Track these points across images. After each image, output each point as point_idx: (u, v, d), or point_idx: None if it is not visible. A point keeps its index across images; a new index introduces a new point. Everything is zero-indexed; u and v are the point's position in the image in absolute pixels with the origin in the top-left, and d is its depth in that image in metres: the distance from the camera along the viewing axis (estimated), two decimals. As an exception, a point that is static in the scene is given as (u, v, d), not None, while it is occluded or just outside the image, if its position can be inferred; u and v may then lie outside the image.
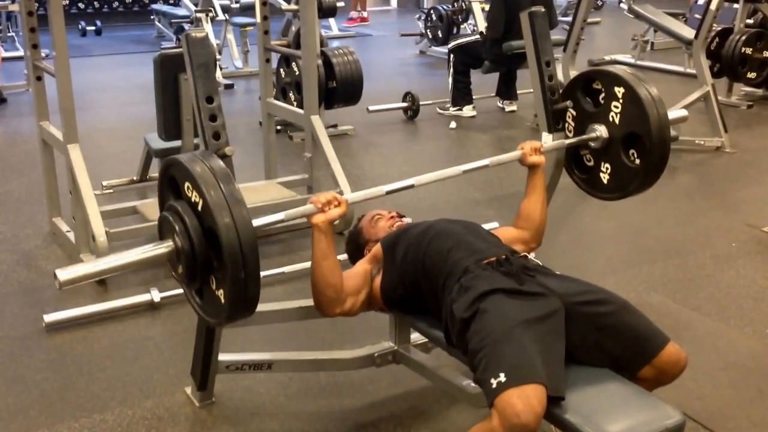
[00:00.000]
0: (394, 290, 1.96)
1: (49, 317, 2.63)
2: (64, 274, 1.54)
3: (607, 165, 2.24)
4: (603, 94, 2.21)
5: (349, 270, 2.01)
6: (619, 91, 2.16)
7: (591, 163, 2.30)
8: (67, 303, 2.76)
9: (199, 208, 1.55)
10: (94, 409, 2.19)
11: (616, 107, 2.16)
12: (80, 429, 2.11)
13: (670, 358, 1.67)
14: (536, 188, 2.16)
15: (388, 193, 1.98)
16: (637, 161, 2.17)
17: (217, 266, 1.56)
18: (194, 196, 1.56)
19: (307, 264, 3.02)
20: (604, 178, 2.26)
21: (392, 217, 2.19)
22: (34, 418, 2.16)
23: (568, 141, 2.24)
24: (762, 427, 2.13)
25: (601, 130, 2.20)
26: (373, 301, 2.00)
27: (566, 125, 2.29)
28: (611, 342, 1.68)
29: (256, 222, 1.62)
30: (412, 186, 2.01)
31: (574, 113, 2.28)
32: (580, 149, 2.31)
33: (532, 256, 2.65)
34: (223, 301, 1.57)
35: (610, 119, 2.19)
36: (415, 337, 2.19)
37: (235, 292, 1.53)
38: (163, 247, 1.60)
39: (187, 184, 1.58)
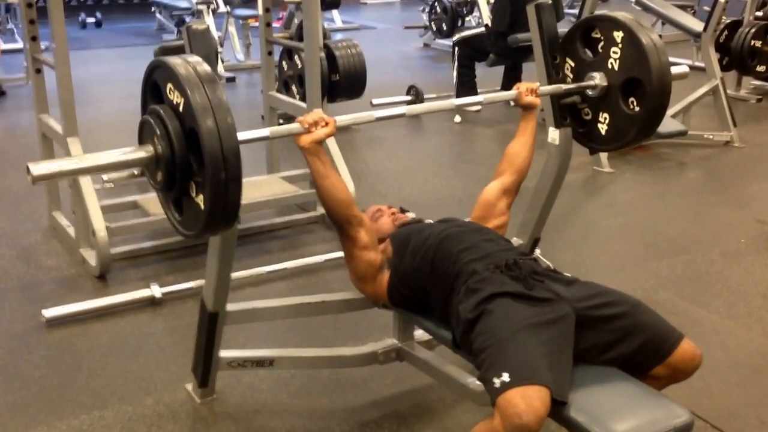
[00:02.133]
0: (401, 291, 1.93)
1: (49, 313, 2.61)
2: (38, 168, 1.47)
3: (606, 115, 2.20)
4: (602, 42, 2.17)
5: None
6: (619, 35, 2.11)
7: (589, 117, 2.25)
8: (66, 298, 2.74)
9: (181, 109, 1.49)
10: (94, 405, 2.17)
11: (615, 53, 2.12)
12: (80, 425, 2.09)
13: (684, 355, 1.64)
14: (527, 130, 2.17)
15: (378, 119, 1.94)
16: (637, 108, 2.12)
17: (197, 170, 1.51)
18: (176, 98, 1.50)
19: (310, 260, 3.03)
20: (603, 129, 2.22)
21: (393, 213, 2.15)
22: (33, 415, 2.13)
23: (565, 86, 2.19)
24: (772, 427, 2.10)
25: (599, 78, 2.16)
26: (379, 296, 1.98)
27: (565, 78, 2.26)
28: (625, 344, 1.65)
29: (240, 135, 1.56)
30: (403, 114, 1.99)
31: (573, 64, 2.24)
32: (578, 103, 2.26)
33: (537, 252, 2.62)
34: (202, 206, 1.51)
35: (609, 66, 2.15)
36: (419, 334, 2.16)
37: (215, 194, 1.47)
38: (143, 151, 1.55)
39: (169, 85, 1.52)
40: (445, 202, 3.77)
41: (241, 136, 1.55)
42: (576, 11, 5.89)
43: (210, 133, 1.44)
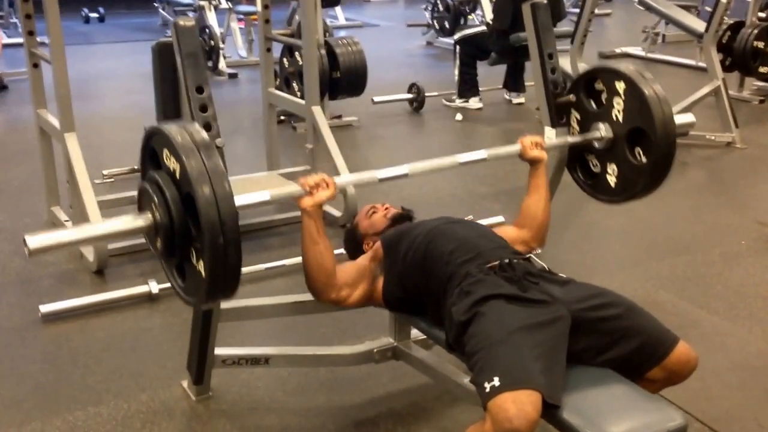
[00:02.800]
0: (394, 292, 1.92)
1: (46, 308, 2.60)
2: (35, 241, 1.46)
3: (614, 166, 2.21)
4: (605, 93, 2.17)
5: (348, 262, 1.97)
6: (620, 86, 2.12)
7: (597, 168, 2.26)
8: (64, 293, 2.73)
9: (177, 175, 1.49)
10: (89, 401, 2.16)
11: (619, 104, 2.13)
12: (75, 422, 2.08)
13: (680, 358, 1.63)
14: (538, 186, 2.09)
15: (381, 180, 1.94)
16: (644, 159, 2.13)
17: (196, 235, 1.50)
18: (172, 164, 1.50)
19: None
20: (611, 180, 2.22)
21: (386, 209, 2.14)
22: (28, 411, 2.13)
23: (571, 139, 2.20)
24: (770, 429, 2.08)
25: (604, 128, 2.16)
26: (374, 300, 1.96)
27: (570, 129, 2.25)
28: (620, 346, 1.64)
29: (239, 200, 1.56)
30: (406, 175, 1.97)
31: (578, 116, 2.25)
32: (586, 154, 2.26)
33: (537, 251, 2.61)
34: (203, 273, 1.50)
35: (614, 117, 2.15)
36: (416, 333, 2.15)
37: (215, 260, 1.45)
38: (141, 220, 1.55)
39: (165, 151, 1.52)
40: (446, 201, 3.75)
41: (239, 200, 1.55)
42: (578, 10, 5.85)
43: (206, 199, 1.43)
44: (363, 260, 1.98)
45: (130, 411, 2.12)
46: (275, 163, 3.78)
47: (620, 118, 2.13)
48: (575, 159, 2.29)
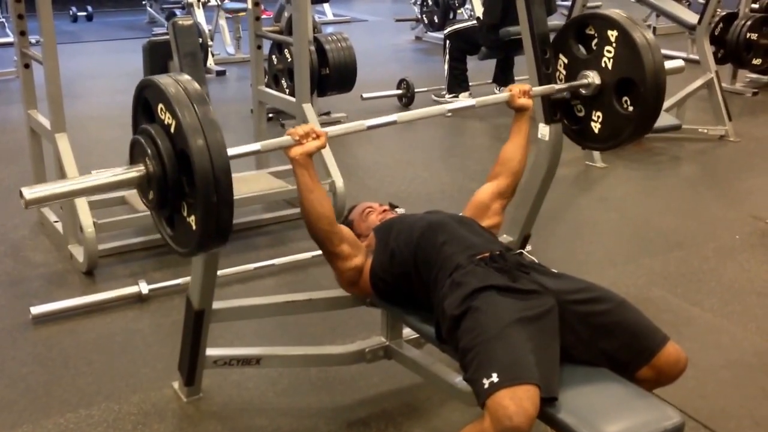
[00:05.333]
0: (383, 279, 1.91)
1: (36, 309, 2.58)
2: (30, 192, 1.48)
3: (599, 113, 2.17)
4: (596, 40, 2.14)
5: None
6: (612, 34, 2.08)
7: (582, 114, 2.23)
8: (54, 295, 2.72)
9: (172, 130, 1.50)
10: (80, 403, 2.15)
11: (609, 52, 2.09)
12: (66, 424, 2.06)
13: (669, 358, 1.62)
14: (520, 132, 2.15)
15: (369, 128, 1.94)
16: (630, 108, 2.10)
17: (189, 191, 1.52)
18: (167, 118, 1.51)
19: (298, 256, 3.00)
20: (596, 127, 2.19)
21: (384, 211, 2.13)
22: (18, 413, 2.11)
23: (558, 86, 2.17)
24: (765, 427, 2.08)
25: (592, 76, 2.13)
26: (363, 286, 1.96)
27: (557, 74, 2.23)
28: (608, 341, 1.63)
29: (231, 151, 1.57)
30: (394, 122, 1.98)
31: (566, 61, 2.21)
32: (571, 99, 2.23)
33: (528, 249, 2.60)
34: (194, 227, 1.53)
35: (603, 65, 2.12)
36: (407, 332, 2.14)
37: (207, 216, 1.48)
38: (134, 171, 1.56)
39: (160, 105, 1.53)
40: (435, 197, 3.74)
41: (231, 151, 1.56)
42: (568, 3, 5.84)
43: (201, 153, 1.44)
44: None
45: (121, 413, 2.11)
46: (264, 162, 3.75)
47: (609, 66, 2.10)
48: (560, 104, 2.26)
